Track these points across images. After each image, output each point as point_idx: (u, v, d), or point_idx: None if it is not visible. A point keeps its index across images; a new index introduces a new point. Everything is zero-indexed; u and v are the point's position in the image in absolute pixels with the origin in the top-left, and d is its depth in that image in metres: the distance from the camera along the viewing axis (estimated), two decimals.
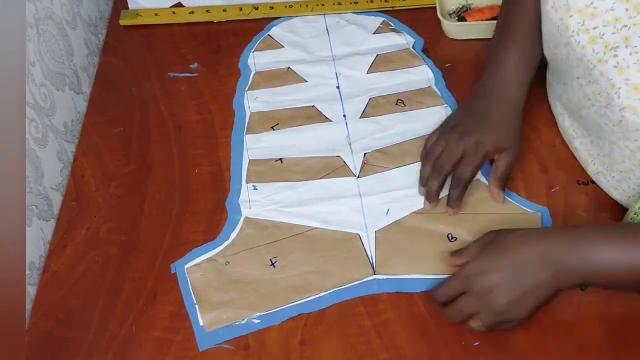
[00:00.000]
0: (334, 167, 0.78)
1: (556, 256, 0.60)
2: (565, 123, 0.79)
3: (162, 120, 0.85)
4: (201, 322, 0.66)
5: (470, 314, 0.62)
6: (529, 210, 0.74)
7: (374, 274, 0.69)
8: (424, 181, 0.73)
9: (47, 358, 0.66)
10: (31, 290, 0.71)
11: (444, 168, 0.71)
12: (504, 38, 0.76)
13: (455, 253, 0.67)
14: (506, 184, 0.74)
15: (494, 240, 0.63)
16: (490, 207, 0.74)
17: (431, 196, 0.72)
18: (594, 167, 0.74)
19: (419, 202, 0.74)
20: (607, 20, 0.62)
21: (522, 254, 0.60)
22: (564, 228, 0.65)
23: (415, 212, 0.74)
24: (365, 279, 0.69)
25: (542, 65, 0.83)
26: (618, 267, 0.59)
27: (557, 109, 0.81)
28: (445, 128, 0.75)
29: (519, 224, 0.70)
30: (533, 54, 0.75)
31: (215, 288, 0.68)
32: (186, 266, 0.70)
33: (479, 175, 0.76)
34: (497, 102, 0.74)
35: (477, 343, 0.65)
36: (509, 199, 0.75)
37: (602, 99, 0.65)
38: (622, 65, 0.61)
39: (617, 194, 0.72)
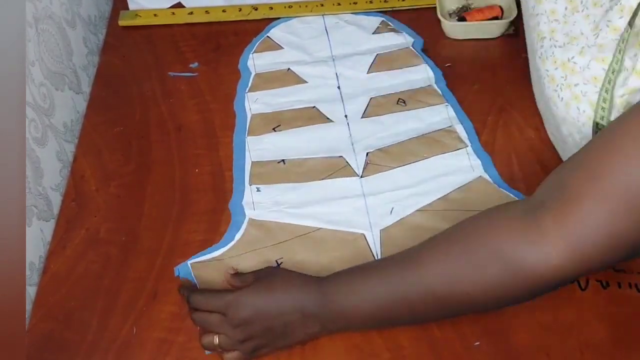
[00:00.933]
0: (337, 167, 0.78)
1: (304, 304, 0.60)
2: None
3: (162, 120, 0.85)
4: None
5: (212, 330, 0.61)
6: None
7: None
8: None
9: (47, 359, 0.65)
10: (31, 291, 0.71)
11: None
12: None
13: (234, 275, 0.65)
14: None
15: (266, 276, 0.63)
16: (493, 204, 0.74)
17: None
18: None
19: (423, 200, 0.74)
20: (546, 10, 0.63)
21: (280, 296, 0.61)
22: (323, 278, 0.62)
23: (419, 210, 0.74)
24: None
25: None
26: (351, 309, 0.59)
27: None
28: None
29: None
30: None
31: (219, 287, 0.68)
32: (190, 262, 0.70)
33: (481, 172, 0.76)
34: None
35: (477, 343, 0.65)
36: (513, 197, 0.75)
37: (538, 91, 0.67)
38: (544, 56, 0.63)
39: None
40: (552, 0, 0.63)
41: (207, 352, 0.64)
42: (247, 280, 0.63)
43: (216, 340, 0.62)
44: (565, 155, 0.73)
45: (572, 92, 0.63)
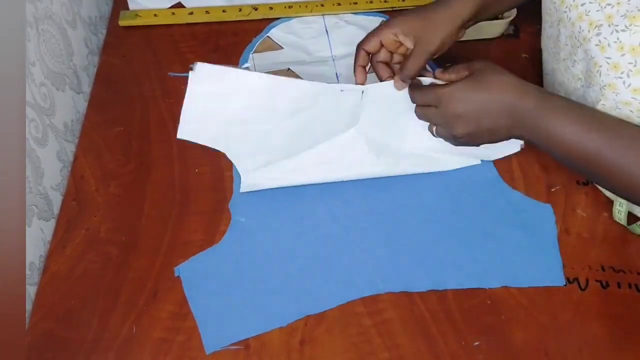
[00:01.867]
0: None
1: (520, 111, 0.64)
2: None
3: (162, 120, 0.85)
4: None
5: (432, 122, 0.70)
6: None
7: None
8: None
9: (47, 358, 0.66)
10: (31, 291, 0.71)
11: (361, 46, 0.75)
12: None
13: (445, 69, 0.70)
14: (409, 78, 0.72)
15: (480, 72, 0.67)
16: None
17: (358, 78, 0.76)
18: None
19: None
20: None
21: (495, 97, 0.65)
22: (542, 91, 0.65)
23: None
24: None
25: (542, 65, 0.83)
26: (567, 143, 0.63)
27: None
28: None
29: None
30: None
31: None
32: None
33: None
34: (436, 6, 0.72)
35: (477, 343, 0.65)
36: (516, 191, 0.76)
37: (586, 78, 0.66)
38: (604, 44, 0.62)
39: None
40: None
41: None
42: (458, 74, 0.68)
43: (434, 130, 0.70)
44: None
45: None
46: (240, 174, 0.76)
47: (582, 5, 0.64)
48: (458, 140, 0.68)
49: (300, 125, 0.74)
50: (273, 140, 0.74)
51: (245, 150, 0.74)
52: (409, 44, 0.71)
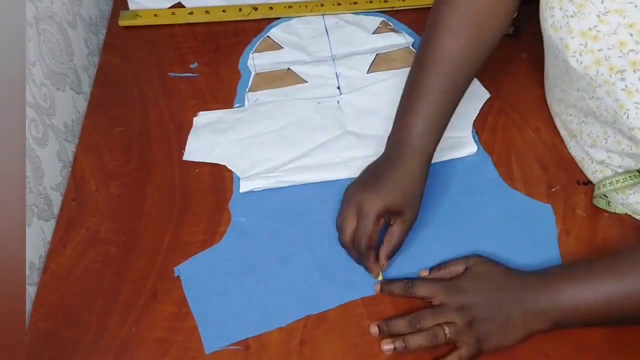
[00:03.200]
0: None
1: (528, 299, 0.62)
2: (559, 123, 0.79)
3: (163, 120, 0.85)
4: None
5: (443, 321, 0.62)
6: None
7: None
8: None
9: (47, 358, 0.66)
10: (31, 290, 0.71)
11: (357, 247, 0.68)
12: (413, 99, 0.70)
13: (439, 267, 0.68)
14: (395, 253, 0.68)
15: (477, 265, 0.66)
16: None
17: (372, 274, 0.69)
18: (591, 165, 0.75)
19: None
20: (612, 44, 0.61)
21: (501, 291, 0.63)
22: (538, 272, 0.65)
23: None
24: None
25: (543, 65, 0.83)
26: (582, 310, 0.60)
27: (554, 108, 0.81)
28: (344, 195, 0.70)
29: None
30: (442, 118, 0.70)
31: None
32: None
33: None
34: (395, 166, 0.68)
35: None
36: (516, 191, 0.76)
37: (609, 115, 0.65)
38: (632, 89, 0.61)
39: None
40: (611, 32, 0.61)
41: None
42: (456, 269, 0.66)
43: (446, 330, 0.61)
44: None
45: None
46: (239, 176, 0.78)
47: (600, 51, 0.62)
48: (470, 332, 0.61)
49: (291, 135, 0.81)
50: (269, 150, 0.80)
51: (245, 162, 0.79)
52: (393, 219, 0.68)
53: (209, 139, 0.81)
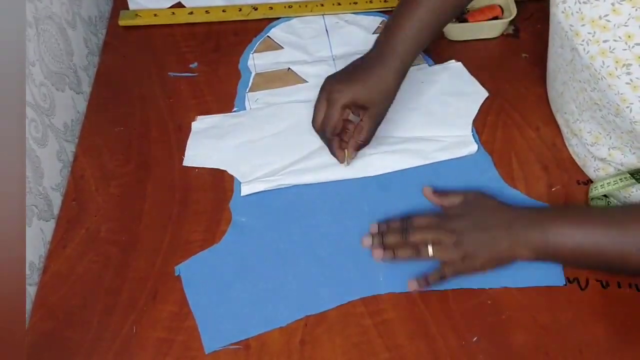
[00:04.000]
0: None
1: (517, 228, 0.66)
2: (561, 121, 0.79)
3: (163, 119, 0.85)
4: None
5: (432, 240, 0.67)
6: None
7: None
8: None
9: (47, 358, 0.66)
10: (31, 291, 0.71)
11: (324, 133, 0.75)
12: (405, 9, 0.74)
13: (438, 193, 0.73)
14: (361, 147, 0.75)
15: (475, 197, 0.71)
16: None
17: (338, 159, 0.77)
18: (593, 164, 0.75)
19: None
20: (619, 36, 0.61)
21: (492, 217, 0.68)
22: (531, 208, 0.70)
23: None
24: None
25: (543, 64, 0.83)
26: (568, 247, 0.64)
27: (555, 104, 0.81)
28: (322, 85, 0.76)
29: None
30: (429, 30, 0.74)
31: None
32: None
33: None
34: (372, 63, 0.73)
35: (475, 338, 0.65)
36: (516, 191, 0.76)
37: (612, 108, 0.65)
38: (637, 83, 0.61)
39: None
40: (622, 24, 0.61)
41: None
42: (454, 198, 0.71)
43: (430, 250, 0.66)
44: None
45: None
46: (240, 181, 0.78)
47: (605, 42, 0.62)
48: (458, 249, 0.66)
49: (290, 139, 0.81)
50: (269, 154, 0.80)
51: (245, 167, 0.79)
52: (361, 114, 0.73)
53: (208, 144, 0.82)
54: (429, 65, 0.89)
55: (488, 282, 0.69)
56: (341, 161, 0.76)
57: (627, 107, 0.62)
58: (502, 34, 0.92)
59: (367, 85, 0.72)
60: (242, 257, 0.72)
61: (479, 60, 0.89)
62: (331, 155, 0.77)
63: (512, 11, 0.90)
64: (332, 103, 0.72)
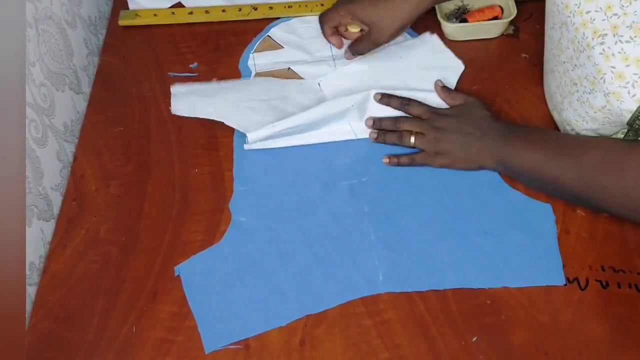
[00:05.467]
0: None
1: (486, 140, 0.74)
2: (557, 118, 0.80)
3: (162, 120, 0.85)
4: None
5: (417, 129, 0.77)
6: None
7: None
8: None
9: (47, 358, 0.66)
10: (31, 291, 0.71)
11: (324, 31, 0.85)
12: None
13: (448, 91, 0.82)
14: (357, 54, 0.84)
15: (472, 104, 0.79)
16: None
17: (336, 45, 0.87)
18: None
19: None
20: (600, 7, 0.63)
21: (474, 125, 0.76)
22: (505, 125, 0.77)
23: None
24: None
25: (542, 64, 0.83)
26: (517, 164, 0.72)
27: (550, 104, 0.81)
28: None
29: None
30: None
31: None
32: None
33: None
34: None
35: (475, 338, 0.65)
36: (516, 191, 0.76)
37: (587, 84, 0.66)
38: (608, 53, 0.62)
39: None
40: None
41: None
42: (456, 100, 0.81)
43: (412, 139, 0.77)
44: None
45: None
46: (243, 132, 0.80)
47: (587, 13, 0.64)
48: (436, 144, 0.76)
49: (280, 107, 0.83)
50: (263, 114, 0.82)
51: (244, 122, 0.81)
52: (363, 27, 0.80)
53: (196, 100, 0.83)
54: (405, 40, 0.91)
55: (488, 282, 0.69)
56: (338, 46, 0.86)
57: (602, 78, 0.64)
58: (502, 34, 0.92)
59: (377, 5, 0.77)
60: (242, 257, 0.72)
61: (479, 60, 0.89)
62: (334, 121, 0.81)
63: (512, 11, 0.90)
64: (335, 6, 0.81)
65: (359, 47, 0.83)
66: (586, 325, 0.66)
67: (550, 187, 0.71)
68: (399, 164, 0.77)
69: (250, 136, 0.79)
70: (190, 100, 0.84)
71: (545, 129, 0.81)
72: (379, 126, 0.80)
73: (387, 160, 0.77)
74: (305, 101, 0.84)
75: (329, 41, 0.85)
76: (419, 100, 0.81)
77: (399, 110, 0.81)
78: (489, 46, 0.92)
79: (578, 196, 0.69)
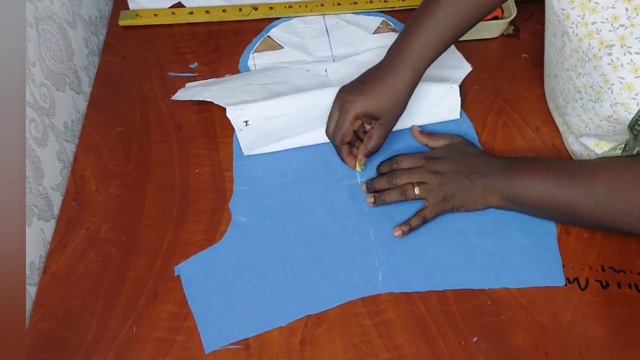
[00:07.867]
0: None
1: (490, 176, 0.71)
2: (558, 119, 0.79)
3: (163, 120, 0.85)
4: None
5: (416, 179, 0.73)
6: None
7: None
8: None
9: (47, 358, 0.66)
10: (31, 291, 0.71)
11: (334, 141, 0.76)
12: (420, 19, 0.74)
13: (425, 133, 0.79)
14: (371, 154, 0.76)
15: (459, 143, 0.77)
16: None
17: (349, 165, 0.78)
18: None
19: None
20: (606, 17, 0.63)
21: (472, 164, 0.73)
22: (504, 159, 0.74)
23: None
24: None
25: (543, 64, 0.83)
26: (527, 196, 0.69)
27: (551, 105, 0.81)
28: (337, 94, 0.78)
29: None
30: (442, 42, 0.74)
31: None
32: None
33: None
34: (384, 73, 0.73)
35: (475, 339, 0.65)
36: None
37: (593, 93, 0.66)
38: (617, 64, 0.62)
39: None
40: (609, 6, 0.62)
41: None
42: (440, 142, 0.78)
43: (416, 190, 0.72)
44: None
45: None
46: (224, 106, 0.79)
47: (593, 24, 0.64)
48: (440, 189, 0.72)
49: (279, 90, 0.82)
50: (256, 95, 0.81)
51: (232, 99, 0.81)
52: (372, 122, 0.74)
53: (198, 89, 0.85)
54: None
55: (488, 283, 0.69)
56: (352, 166, 0.76)
57: (609, 88, 0.63)
58: (502, 34, 0.92)
59: (378, 96, 0.73)
60: (242, 257, 0.72)
61: (479, 60, 0.89)
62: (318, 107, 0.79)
63: (512, 11, 0.90)
64: (343, 113, 0.74)
65: (373, 144, 0.75)
66: (586, 326, 0.66)
67: (567, 215, 0.68)
68: (412, 230, 0.72)
69: (229, 111, 0.77)
70: (194, 88, 0.85)
71: (544, 158, 0.78)
72: (372, 189, 0.75)
73: (399, 232, 0.71)
74: (307, 87, 0.84)
75: (346, 162, 0.77)
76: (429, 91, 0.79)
77: (391, 168, 0.75)
78: (489, 46, 0.92)
79: (598, 223, 0.66)
